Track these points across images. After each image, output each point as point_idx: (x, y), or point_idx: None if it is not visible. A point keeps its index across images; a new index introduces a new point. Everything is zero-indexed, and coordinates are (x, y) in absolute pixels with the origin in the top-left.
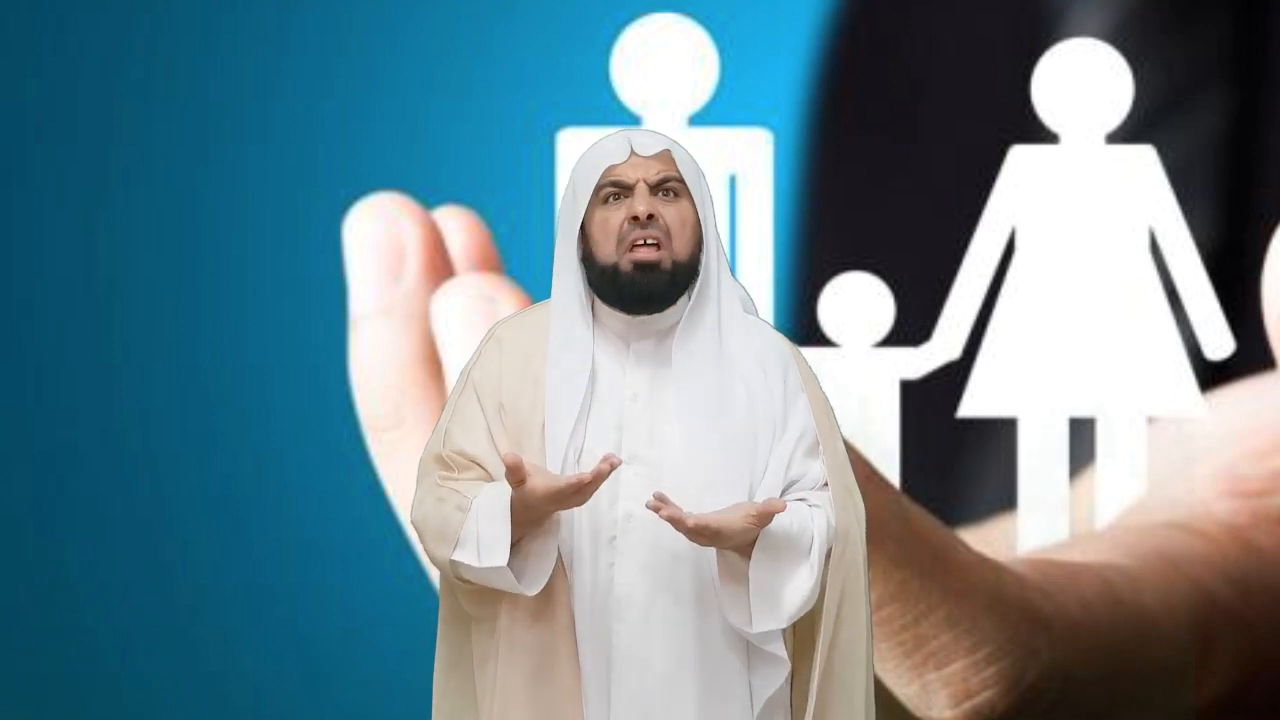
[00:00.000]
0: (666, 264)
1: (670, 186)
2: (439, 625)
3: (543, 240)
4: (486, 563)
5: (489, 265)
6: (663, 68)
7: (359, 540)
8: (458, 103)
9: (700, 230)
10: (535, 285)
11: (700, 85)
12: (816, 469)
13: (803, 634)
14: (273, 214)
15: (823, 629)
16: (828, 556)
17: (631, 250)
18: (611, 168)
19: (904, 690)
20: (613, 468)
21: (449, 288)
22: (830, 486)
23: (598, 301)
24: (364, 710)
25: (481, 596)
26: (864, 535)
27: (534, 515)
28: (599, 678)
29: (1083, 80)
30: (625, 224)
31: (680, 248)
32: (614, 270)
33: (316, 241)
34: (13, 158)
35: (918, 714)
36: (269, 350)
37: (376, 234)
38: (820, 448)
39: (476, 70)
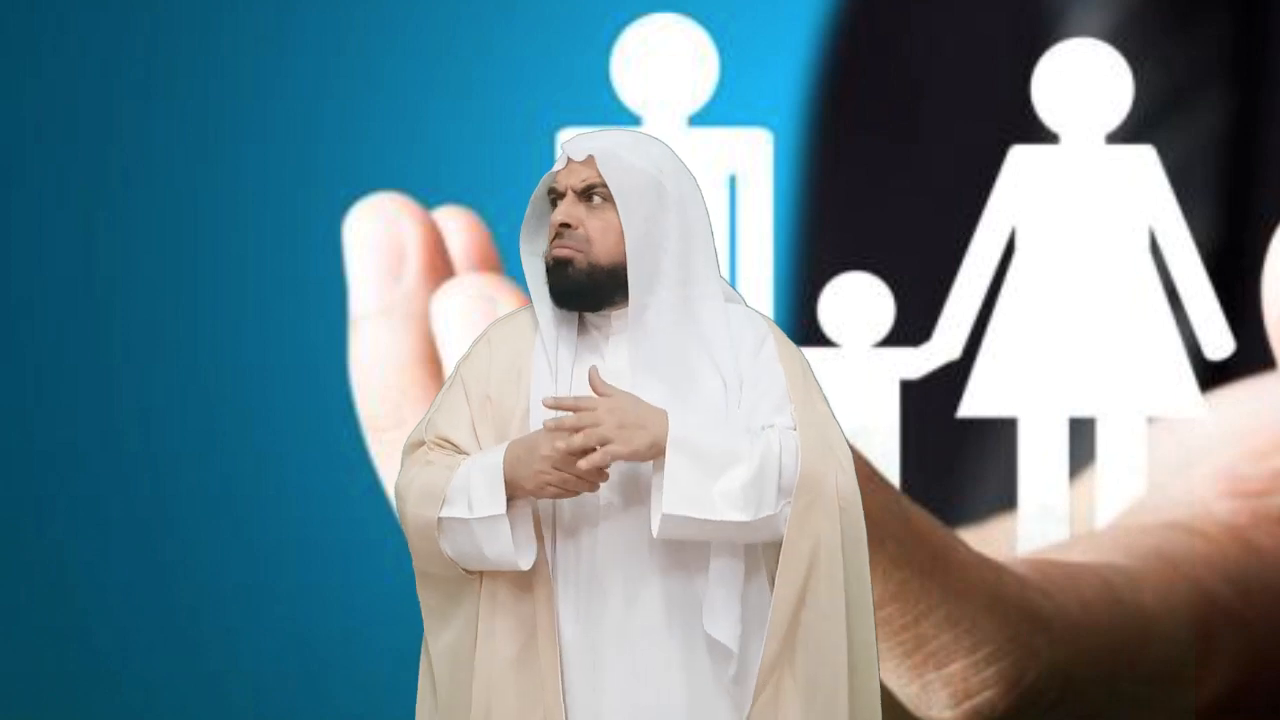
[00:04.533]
0: (581, 263)
1: (596, 193)
2: (421, 605)
3: None
4: (480, 512)
5: (489, 265)
6: (663, 68)
7: (359, 540)
8: (458, 103)
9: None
10: None
11: (700, 85)
12: (785, 419)
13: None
14: (273, 214)
15: (788, 575)
16: (783, 484)
17: (551, 250)
18: (555, 173)
19: (904, 690)
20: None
21: (449, 288)
22: (803, 436)
23: None
24: (364, 710)
25: (449, 591)
26: (852, 488)
27: (526, 471)
28: (583, 655)
29: (1083, 80)
30: (553, 230)
31: (601, 254)
32: (546, 268)
33: (316, 241)
34: (13, 158)
35: (918, 714)
36: (269, 350)
37: (376, 234)
38: (790, 404)
39: (476, 70)
